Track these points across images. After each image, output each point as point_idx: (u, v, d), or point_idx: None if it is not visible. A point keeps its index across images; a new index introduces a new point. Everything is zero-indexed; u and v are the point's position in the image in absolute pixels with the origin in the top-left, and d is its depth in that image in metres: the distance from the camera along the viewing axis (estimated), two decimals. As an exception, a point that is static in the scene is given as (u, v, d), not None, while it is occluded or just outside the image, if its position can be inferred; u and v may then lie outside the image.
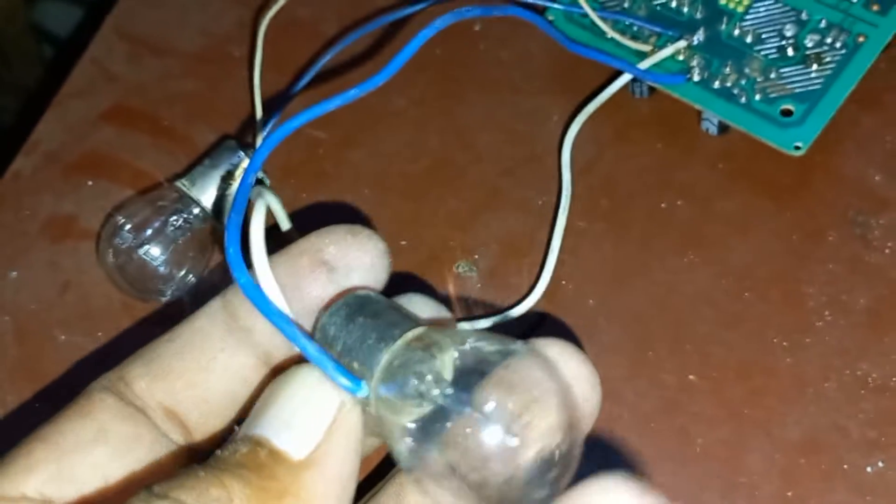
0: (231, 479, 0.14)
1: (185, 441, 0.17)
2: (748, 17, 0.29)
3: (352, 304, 0.16)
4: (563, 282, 0.27)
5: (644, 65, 0.28)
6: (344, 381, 0.15)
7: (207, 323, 0.17)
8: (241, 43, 0.35)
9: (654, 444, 0.24)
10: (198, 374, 0.17)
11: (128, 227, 0.26)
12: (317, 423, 0.15)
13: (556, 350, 0.17)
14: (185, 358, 0.17)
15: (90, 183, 0.31)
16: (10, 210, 0.31)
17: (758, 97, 0.28)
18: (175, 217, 0.27)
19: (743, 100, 0.28)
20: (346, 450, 0.15)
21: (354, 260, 0.17)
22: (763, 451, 0.24)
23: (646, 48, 0.29)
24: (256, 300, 0.15)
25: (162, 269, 0.27)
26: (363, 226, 0.18)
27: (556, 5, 0.30)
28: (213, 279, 0.28)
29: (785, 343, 0.25)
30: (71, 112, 0.33)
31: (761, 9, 0.29)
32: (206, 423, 0.17)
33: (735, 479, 0.23)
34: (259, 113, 0.29)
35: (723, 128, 0.29)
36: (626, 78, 0.29)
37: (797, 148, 0.27)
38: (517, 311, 0.26)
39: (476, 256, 0.28)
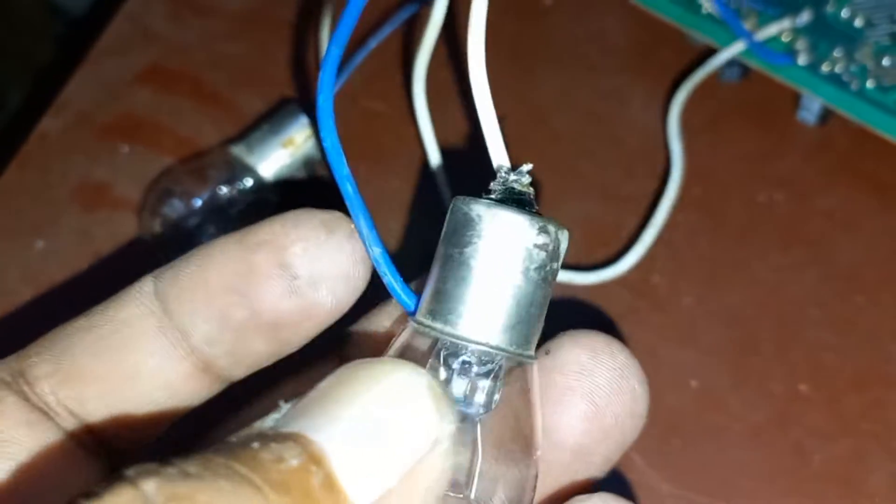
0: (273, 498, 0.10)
1: (101, 453, 0.14)
2: (858, -2, 0.27)
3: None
4: (657, 277, 0.25)
5: (760, 36, 0.25)
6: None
7: (136, 315, 0.14)
8: (289, 4, 0.32)
9: (767, 459, 0.21)
10: (118, 381, 0.13)
11: (177, 195, 0.23)
12: (395, 460, 0.11)
13: (600, 342, 0.15)
14: (102, 359, 0.14)
15: (126, 148, 0.29)
16: (36, 173, 0.28)
17: (870, 85, 0.25)
18: (228, 187, 0.24)
19: (854, 87, 0.25)
20: None
21: (325, 268, 0.13)
22: (886, 469, 0.21)
23: (746, 25, 0.27)
24: (334, 160, 0.12)
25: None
26: (341, 215, 0.14)
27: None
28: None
29: (901, 352, 0.23)
30: (105, 71, 0.30)
31: (872, -10, 0.27)
32: (122, 436, 0.14)
33: (857, 499, 0.21)
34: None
35: (823, 117, 0.27)
36: (724, 56, 0.26)
37: (917, 140, 0.25)
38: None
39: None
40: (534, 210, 0.14)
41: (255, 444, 0.10)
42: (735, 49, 0.26)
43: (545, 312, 0.14)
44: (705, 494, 0.21)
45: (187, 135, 0.29)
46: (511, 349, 0.13)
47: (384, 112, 0.29)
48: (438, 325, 0.13)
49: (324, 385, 0.11)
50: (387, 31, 0.28)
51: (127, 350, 0.14)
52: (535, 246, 0.13)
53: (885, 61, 0.26)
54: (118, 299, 0.14)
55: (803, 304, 0.24)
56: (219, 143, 0.28)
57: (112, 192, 0.28)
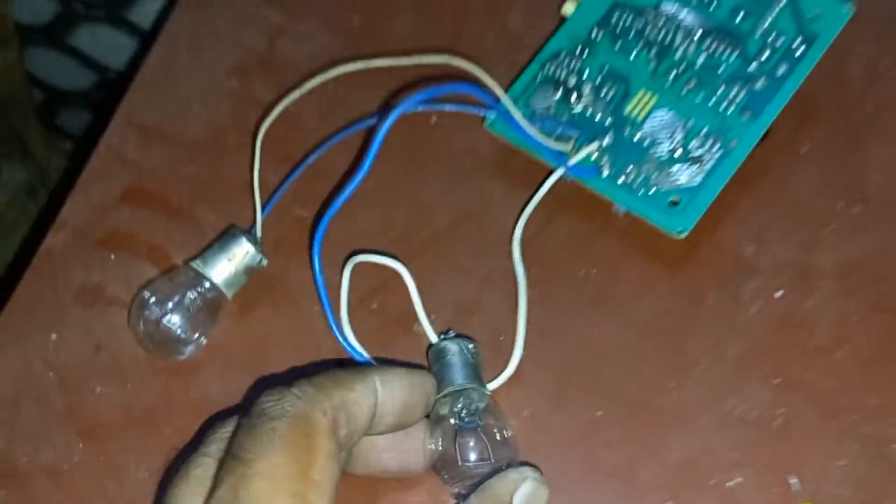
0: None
1: None
2: (646, 124, 0.36)
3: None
4: (501, 337, 0.34)
5: (572, 161, 0.35)
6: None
7: None
8: (235, 131, 0.41)
9: (571, 464, 0.31)
10: None
11: (154, 301, 0.33)
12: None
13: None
14: None
15: (113, 257, 0.38)
16: (46, 282, 0.37)
17: (652, 191, 0.35)
18: (191, 292, 0.33)
19: (640, 192, 0.35)
20: None
21: None
22: (653, 470, 0.31)
23: (565, 148, 0.36)
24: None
25: (181, 333, 0.33)
26: None
27: (491, 112, 0.38)
28: (220, 339, 0.34)
29: (672, 384, 0.33)
30: (93, 194, 0.40)
31: (657, 117, 0.36)
32: None
33: (628, 492, 0.31)
34: (258, 202, 0.36)
35: (628, 211, 0.36)
36: (550, 181, 0.36)
37: (680, 231, 0.35)
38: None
39: (433, 317, 0.35)
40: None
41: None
42: (556, 175, 0.36)
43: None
44: None
45: (159, 243, 0.38)
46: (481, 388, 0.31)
47: (307, 218, 0.39)
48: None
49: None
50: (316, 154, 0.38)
51: None
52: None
53: (664, 172, 0.36)
54: None
55: (606, 350, 0.34)
56: (183, 256, 0.37)
57: (106, 292, 0.37)
